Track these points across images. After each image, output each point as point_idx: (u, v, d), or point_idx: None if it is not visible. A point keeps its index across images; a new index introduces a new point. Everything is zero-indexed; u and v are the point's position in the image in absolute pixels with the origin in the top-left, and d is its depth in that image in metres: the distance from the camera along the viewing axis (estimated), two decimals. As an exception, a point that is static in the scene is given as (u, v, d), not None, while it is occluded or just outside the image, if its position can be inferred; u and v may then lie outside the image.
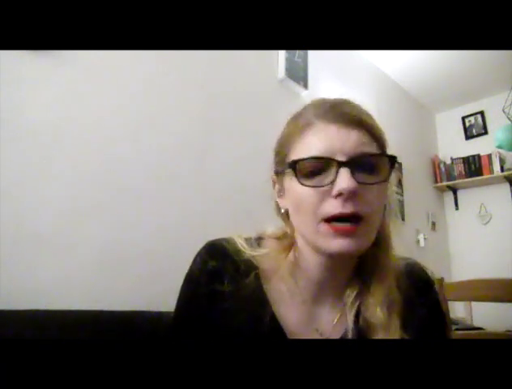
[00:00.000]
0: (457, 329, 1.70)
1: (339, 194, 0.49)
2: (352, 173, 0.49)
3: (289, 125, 0.60)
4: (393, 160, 0.53)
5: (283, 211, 0.60)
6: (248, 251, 0.59)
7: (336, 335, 0.57)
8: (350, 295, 0.57)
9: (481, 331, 1.69)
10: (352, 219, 0.50)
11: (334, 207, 0.50)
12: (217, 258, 0.59)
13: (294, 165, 0.52)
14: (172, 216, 1.49)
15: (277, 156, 0.61)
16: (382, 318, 0.53)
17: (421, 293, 0.59)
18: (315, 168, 0.52)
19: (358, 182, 0.49)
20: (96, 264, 1.24)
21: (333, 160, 0.50)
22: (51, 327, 0.96)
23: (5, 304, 0.94)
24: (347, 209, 0.49)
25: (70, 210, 1.22)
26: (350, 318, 0.56)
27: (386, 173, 0.53)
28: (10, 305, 0.95)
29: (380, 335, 0.53)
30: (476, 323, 2.14)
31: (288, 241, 0.60)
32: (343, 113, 0.53)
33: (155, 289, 1.31)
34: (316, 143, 0.53)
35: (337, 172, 0.50)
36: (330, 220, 0.50)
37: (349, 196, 0.49)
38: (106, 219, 1.30)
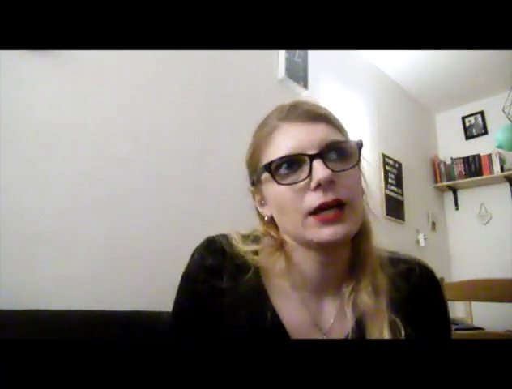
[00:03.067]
0: (457, 329, 1.69)
1: (318, 186, 0.51)
2: (325, 163, 0.52)
3: (256, 135, 0.62)
4: (360, 144, 0.56)
5: (266, 218, 0.61)
6: (241, 247, 0.59)
7: (337, 331, 0.57)
8: (346, 289, 0.58)
9: (481, 331, 1.69)
10: (336, 206, 0.51)
11: (315, 198, 0.51)
12: (215, 255, 0.59)
13: (269, 167, 0.54)
14: (172, 216, 1.49)
15: (250, 167, 0.62)
16: (370, 304, 0.55)
17: (424, 290, 0.59)
18: (289, 167, 0.54)
19: (332, 170, 0.51)
20: (95, 264, 1.24)
21: (304, 154, 0.53)
22: (51, 326, 0.96)
23: (5, 304, 0.94)
24: (329, 197, 0.51)
25: (70, 210, 1.22)
26: (349, 312, 0.56)
27: (356, 158, 0.55)
28: (10, 305, 0.95)
29: (368, 321, 0.55)
30: (476, 323, 2.13)
31: (280, 240, 0.61)
32: (304, 111, 0.56)
33: (156, 289, 1.30)
34: (285, 143, 0.55)
35: (311, 165, 0.52)
36: (315, 211, 0.52)
37: (327, 185, 0.51)
38: (106, 219, 1.30)
